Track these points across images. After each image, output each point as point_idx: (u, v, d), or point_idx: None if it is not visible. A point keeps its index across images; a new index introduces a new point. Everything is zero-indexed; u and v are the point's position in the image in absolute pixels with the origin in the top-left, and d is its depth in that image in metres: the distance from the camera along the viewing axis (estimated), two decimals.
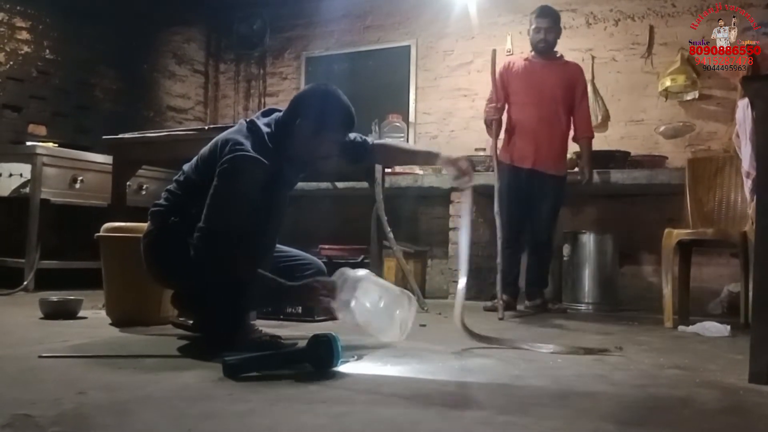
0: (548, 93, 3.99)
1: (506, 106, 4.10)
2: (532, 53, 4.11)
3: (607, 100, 4.97)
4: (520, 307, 4.09)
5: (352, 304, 2.28)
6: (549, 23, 4.01)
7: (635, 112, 4.91)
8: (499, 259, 3.76)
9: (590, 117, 4.20)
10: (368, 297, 2.34)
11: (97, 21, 5.40)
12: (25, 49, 4.95)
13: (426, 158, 2.82)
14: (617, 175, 4.28)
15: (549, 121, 3.99)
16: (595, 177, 4.22)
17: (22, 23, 4.94)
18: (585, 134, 4.10)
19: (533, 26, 4.04)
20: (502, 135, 4.08)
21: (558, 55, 4.13)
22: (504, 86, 4.07)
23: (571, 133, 4.13)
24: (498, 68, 4.06)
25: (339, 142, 2.41)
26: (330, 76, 5.84)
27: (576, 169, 4.18)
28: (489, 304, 3.97)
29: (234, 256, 2.17)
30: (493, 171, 3.98)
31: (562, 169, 4.08)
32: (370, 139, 2.64)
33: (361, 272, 2.38)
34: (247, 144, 2.20)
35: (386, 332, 2.44)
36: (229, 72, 6.63)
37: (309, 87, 2.51)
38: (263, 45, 6.37)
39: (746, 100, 2.46)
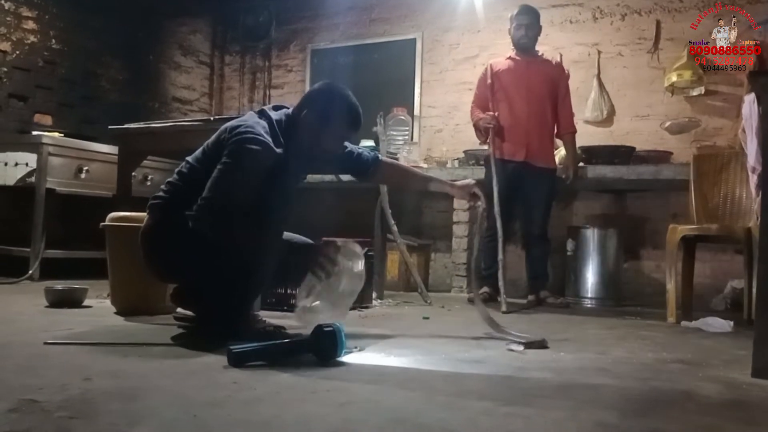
0: (535, 89, 4.13)
1: (491, 105, 4.21)
2: (514, 51, 4.25)
3: (613, 95, 4.96)
4: (522, 300, 4.10)
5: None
6: (530, 20, 4.17)
7: (641, 107, 4.89)
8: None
9: (573, 113, 4.27)
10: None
11: (104, 11, 5.40)
12: (32, 38, 4.96)
13: (435, 185, 2.83)
14: (622, 171, 4.28)
15: (537, 116, 4.12)
16: (598, 172, 4.30)
17: (28, 13, 4.94)
18: (568, 130, 4.22)
19: (514, 24, 4.20)
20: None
21: (540, 53, 4.27)
22: (489, 87, 4.18)
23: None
24: (479, 74, 4.31)
25: (343, 139, 2.43)
26: (335, 68, 5.85)
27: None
28: (471, 295, 4.04)
29: (232, 228, 2.16)
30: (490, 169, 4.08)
31: (552, 162, 4.19)
32: (380, 156, 2.67)
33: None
34: (258, 128, 2.22)
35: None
36: (234, 64, 6.63)
37: (319, 83, 2.53)
38: (269, 37, 6.37)
39: (753, 95, 2.45)
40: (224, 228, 2.15)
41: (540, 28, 4.23)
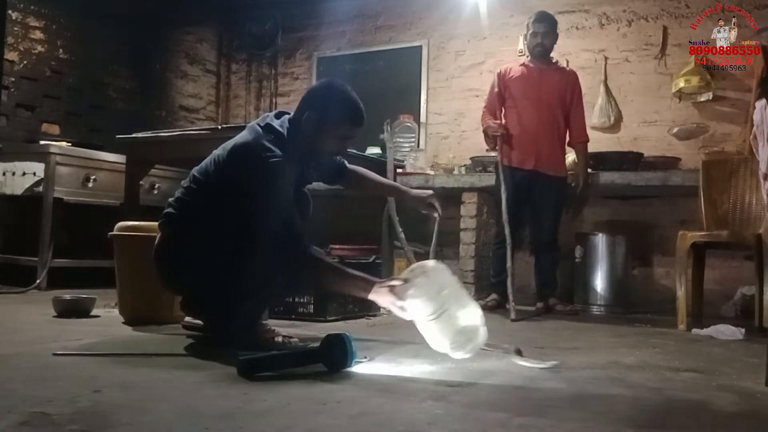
0: (546, 97, 4.10)
1: (503, 111, 4.21)
2: (529, 58, 4.24)
3: (620, 101, 4.95)
4: (530, 308, 4.08)
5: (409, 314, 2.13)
6: (546, 28, 4.13)
7: (648, 113, 4.88)
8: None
9: (585, 122, 4.25)
10: (429, 305, 2.08)
11: (110, 21, 5.42)
12: (39, 48, 4.97)
13: (394, 192, 2.89)
14: (630, 177, 4.26)
15: (548, 124, 4.09)
16: (606, 178, 4.28)
17: (35, 23, 4.96)
18: (580, 139, 4.19)
19: (530, 31, 4.16)
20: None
21: (554, 61, 4.25)
22: (501, 92, 4.18)
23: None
24: (486, 81, 4.32)
25: (346, 138, 2.39)
26: (341, 76, 5.82)
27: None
28: (481, 302, 4.02)
29: (298, 252, 2.18)
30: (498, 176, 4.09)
31: (562, 171, 4.17)
32: (347, 164, 2.68)
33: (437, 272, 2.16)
34: (272, 146, 2.20)
35: (441, 346, 2.15)
36: (240, 72, 6.64)
37: (318, 82, 2.55)
38: (275, 45, 6.38)
39: (764, 101, 2.44)
40: (292, 257, 2.18)
41: (556, 35, 4.20)
